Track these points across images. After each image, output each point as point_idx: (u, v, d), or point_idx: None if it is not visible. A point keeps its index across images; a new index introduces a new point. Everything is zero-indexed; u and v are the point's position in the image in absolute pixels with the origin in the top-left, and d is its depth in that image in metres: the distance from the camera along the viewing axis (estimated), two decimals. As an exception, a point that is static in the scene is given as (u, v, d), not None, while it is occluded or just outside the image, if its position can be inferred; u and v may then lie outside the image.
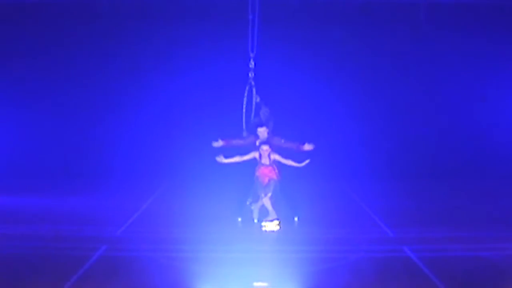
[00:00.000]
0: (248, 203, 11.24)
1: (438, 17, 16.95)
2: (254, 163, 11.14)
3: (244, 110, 11.46)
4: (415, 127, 17.21)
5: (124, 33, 16.85)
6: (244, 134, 11.42)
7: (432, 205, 13.20)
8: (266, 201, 10.97)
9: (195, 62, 16.71)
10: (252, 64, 11.61)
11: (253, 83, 11.52)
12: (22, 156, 16.79)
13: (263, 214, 11.04)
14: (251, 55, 11.61)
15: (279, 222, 10.88)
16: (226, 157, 10.96)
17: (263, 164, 10.94)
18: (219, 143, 11.11)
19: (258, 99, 11.45)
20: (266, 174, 10.95)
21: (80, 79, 16.88)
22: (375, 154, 16.87)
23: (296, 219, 11.12)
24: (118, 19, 16.83)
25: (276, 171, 10.98)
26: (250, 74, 11.60)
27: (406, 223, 11.25)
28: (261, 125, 11.13)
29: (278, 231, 10.75)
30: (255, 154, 10.96)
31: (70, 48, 16.83)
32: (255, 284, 7.90)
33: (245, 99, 11.51)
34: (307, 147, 11.13)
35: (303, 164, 10.95)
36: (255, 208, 11.12)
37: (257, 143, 11.01)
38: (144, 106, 16.94)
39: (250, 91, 11.49)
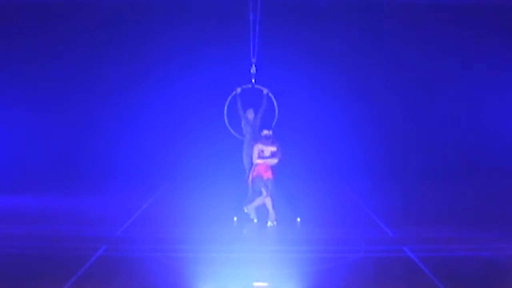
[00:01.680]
0: (245, 210, 11.24)
1: (438, 17, 16.93)
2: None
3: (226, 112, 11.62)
4: (415, 127, 17.19)
5: (125, 35, 16.81)
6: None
7: (432, 205, 13.20)
8: (268, 201, 10.99)
9: (196, 64, 16.70)
10: (253, 69, 11.64)
11: (266, 91, 11.60)
12: (22, 156, 16.78)
13: (264, 213, 11.05)
14: (253, 60, 11.64)
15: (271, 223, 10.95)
16: None
17: (258, 163, 10.98)
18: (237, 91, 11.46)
19: (239, 90, 11.60)
20: (262, 173, 10.96)
21: (81, 80, 16.86)
22: (375, 154, 16.86)
23: (298, 219, 11.14)
24: (119, 20, 16.81)
25: (271, 170, 11.02)
26: (252, 80, 11.66)
27: (406, 223, 11.25)
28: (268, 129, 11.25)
29: (278, 231, 10.77)
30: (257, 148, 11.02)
31: (71, 49, 16.81)
32: (255, 284, 7.90)
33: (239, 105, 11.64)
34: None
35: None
36: (251, 209, 11.13)
37: (260, 146, 11.06)
38: (144, 106, 16.94)
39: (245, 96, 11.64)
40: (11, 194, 14.41)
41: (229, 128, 11.73)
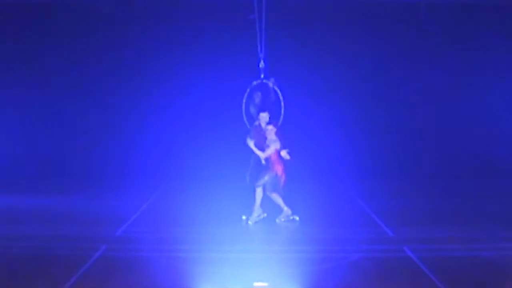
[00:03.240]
0: (244, 217, 11.27)
1: (438, 17, 16.93)
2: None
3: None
4: (415, 127, 17.19)
5: (129, 34, 16.75)
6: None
7: (432, 205, 13.20)
8: (275, 198, 11.07)
9: (197, 63, 16.68)
10: (262, 64, 11.60)
11: (272, 83, 11.53)
12: (22, 156, 16.77)
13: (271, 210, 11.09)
14: (261, 55, 11.59)
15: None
16: None
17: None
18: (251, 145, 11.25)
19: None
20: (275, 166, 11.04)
21: (82, 80, 16.85)
22: (376, 154, 16.86)
23: (277, 220, 11.21)
24: (120, 19, 16.77)
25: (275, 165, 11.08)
26: (261, 75, 11.61)
27: (406, 223, 11.24)
28: (263, 110, 11.32)
29: (278, 231, 10.78)
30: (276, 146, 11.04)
31: (73, 48, 16.79)
32: (255, 284, 7.90)
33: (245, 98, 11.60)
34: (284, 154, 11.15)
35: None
36: (257, 208, 11.13)
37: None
38: (144, 106, 16.94)
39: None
40: (11, 194, 14.41)
41: (247, 123, 11.66)
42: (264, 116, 11.33)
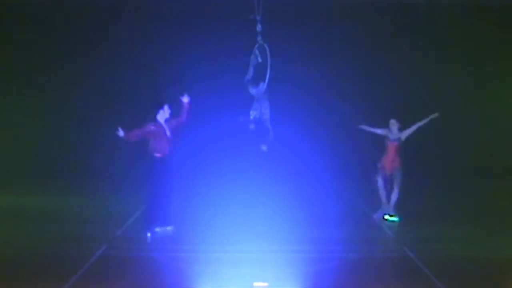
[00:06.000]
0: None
1: (438, 17, 16.93)
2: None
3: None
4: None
5: (117, 34, 16.70)
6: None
7: (432, 205, 13.21)
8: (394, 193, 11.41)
9: (194, 61, 16.66)
10: (259, 27, 11.40)
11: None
12: (22, 155, 16.77)
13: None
14: (257, 18, 11.39)
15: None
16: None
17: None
18: (120, 133, 11.24)
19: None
20: (388, 163, 11.57)
21: (80, 79, 16.83)
22: (376, 154, 16.81)
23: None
24: (113, 19, 16.73)
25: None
26: (258, 39, 11.39)
27: (406, 223, 11.26)
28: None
29: (278, 231, 10.79)
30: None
31: (69, 47, 16.76)
32: (255, 284, 7.91)
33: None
34: None
35: None
36: (391, 207, 11.37)
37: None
38: (143, 104, 16.90)
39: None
40: (11, 194, 14.41)
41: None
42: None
